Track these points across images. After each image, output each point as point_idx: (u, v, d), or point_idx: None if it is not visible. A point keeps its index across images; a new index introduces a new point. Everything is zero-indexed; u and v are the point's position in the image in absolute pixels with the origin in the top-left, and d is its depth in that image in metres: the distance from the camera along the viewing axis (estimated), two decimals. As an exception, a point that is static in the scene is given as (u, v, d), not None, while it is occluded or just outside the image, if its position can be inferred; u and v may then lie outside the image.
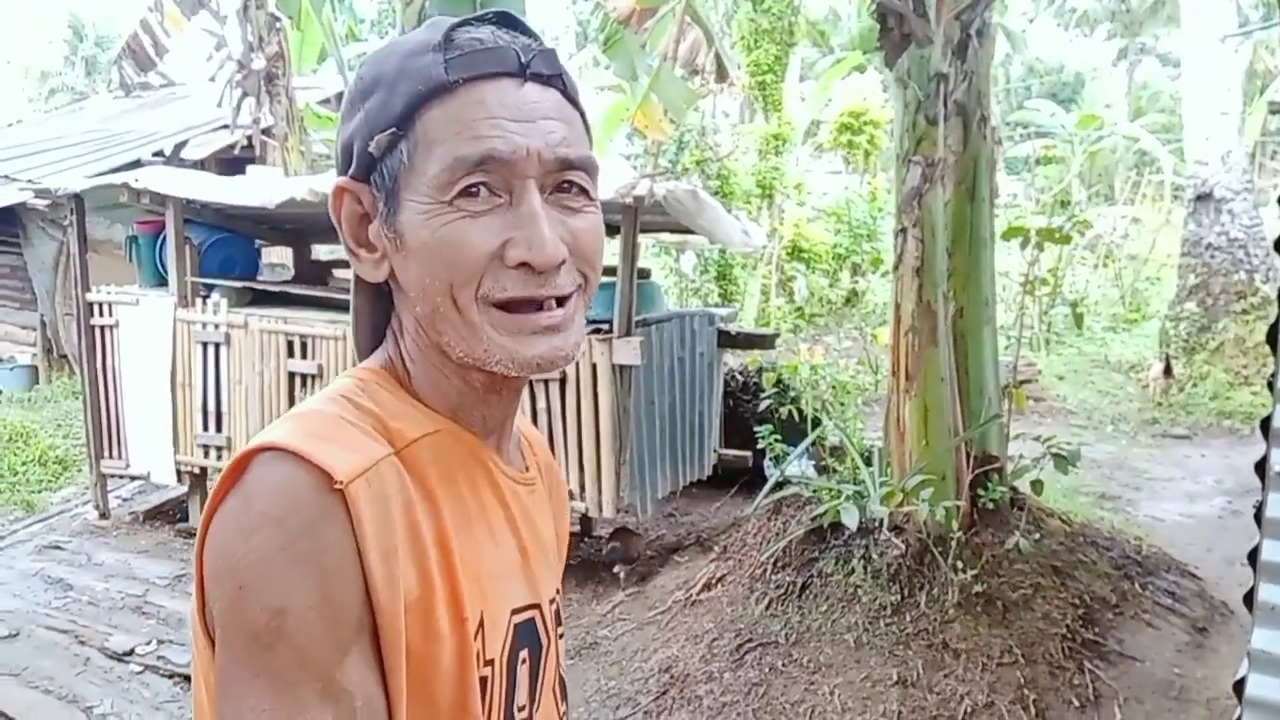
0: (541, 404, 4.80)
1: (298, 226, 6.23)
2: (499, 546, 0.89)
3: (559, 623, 0.99)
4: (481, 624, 0.84)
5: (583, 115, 0.89)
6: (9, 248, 9.60)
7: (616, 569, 4.90)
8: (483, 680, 0.83)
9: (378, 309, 0.92)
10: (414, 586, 0.77)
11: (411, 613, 0.77)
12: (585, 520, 5.75)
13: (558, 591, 1.00)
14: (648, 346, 4.73)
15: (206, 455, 5.82)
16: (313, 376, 5.48)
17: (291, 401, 5.57)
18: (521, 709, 0.90)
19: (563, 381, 4.71)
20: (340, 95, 9.14)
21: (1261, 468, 2.33)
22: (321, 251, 6.98)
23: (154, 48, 8.95)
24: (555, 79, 0.85)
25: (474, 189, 0.80)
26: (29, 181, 7.98)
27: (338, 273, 6.85)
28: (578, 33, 22.95)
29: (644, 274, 6.05)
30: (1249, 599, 2.39)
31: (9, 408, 8.79)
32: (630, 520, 5.29)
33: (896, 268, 4.29)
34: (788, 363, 6.46)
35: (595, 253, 0.87)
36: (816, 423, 5.69)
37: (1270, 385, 2.37)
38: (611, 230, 4.72)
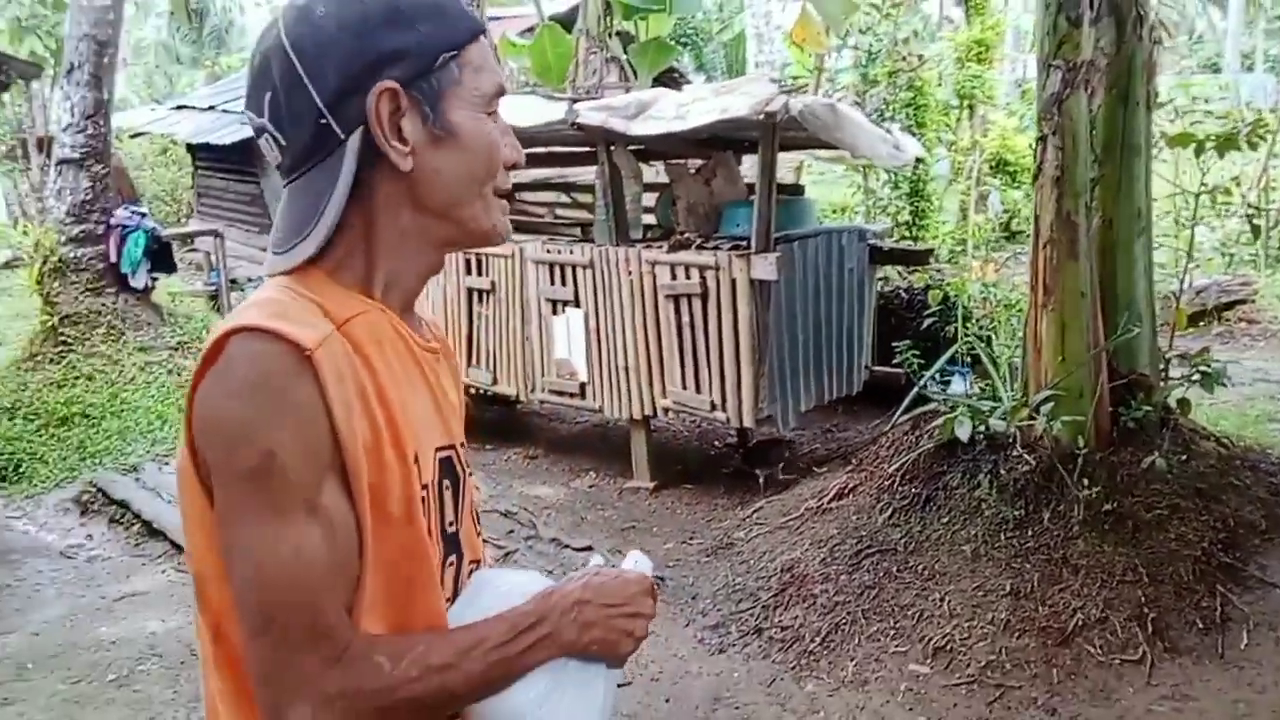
0: (685, 318, 5.01)
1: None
2: (419, 398, 1.09)
3: (467, 466, 1.21)
4: (416, 458, 1.03)
5: None
6: (248, 179, 10.73)
7: (757, 472, 5.11)
8: (422, 500, 1.03)
9: (309, 209, 1.04)
10: (366, 432, 0.97)
11: (368, 452, 0.96)
12: (741, 433, 5.96)
13: (462, 443, 1.21)
14: (788, 262, 4.82)
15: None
16: (486, 292, 5.93)
17: (470, 315, 6.06)
18: (451, 524, 1.12)
19: (704, 297, 4.90)
20: (532, 29, 9.48)
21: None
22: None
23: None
24: None
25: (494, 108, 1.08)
26: (261, 118, 8.86)
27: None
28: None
29: (796, 190, 6.09)
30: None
31: (254, 322, 9.89)
32: (772, 431, 5.44)
33: (1036, 177, 4.16)
34: (954, 280, 6.33)
35: None
36: (986, 341, 5.58)
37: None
38: (751, 147, 4.81)
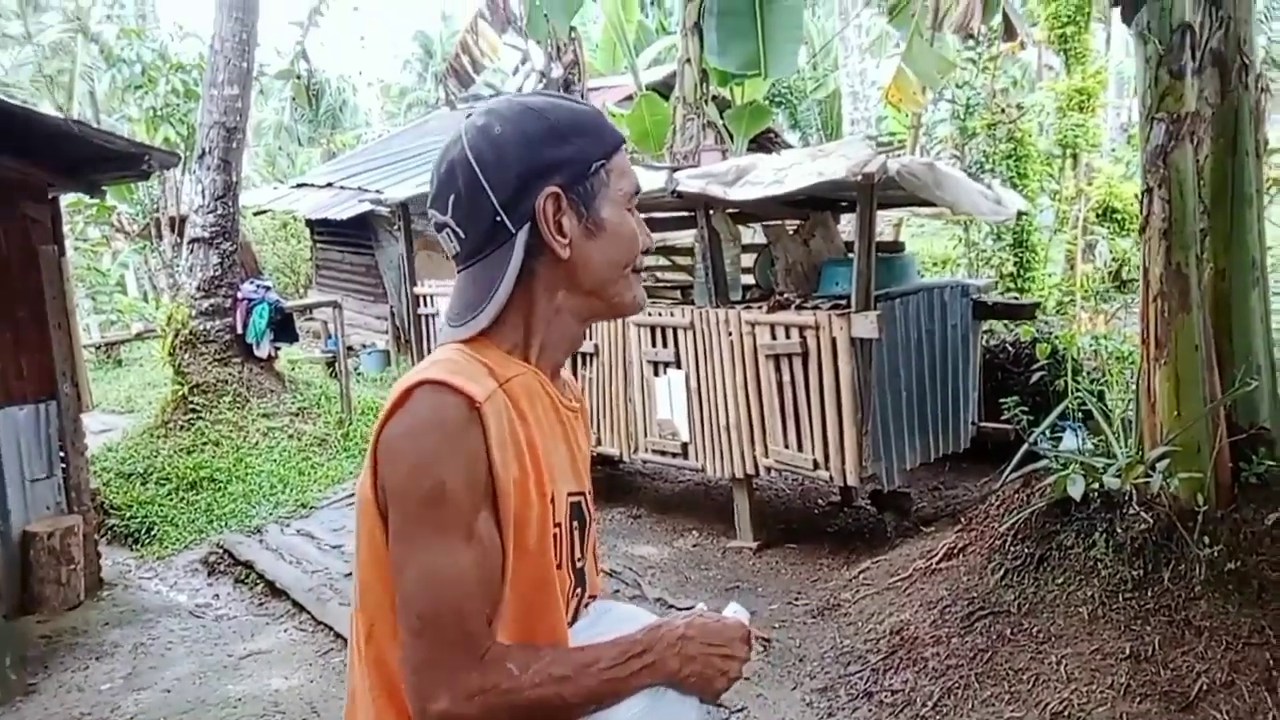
0: (786, 377, 5.04)
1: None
2: (559, 449, 1.29)
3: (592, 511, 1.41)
4: (553, 499, 1.22)
5: None
6: (364, 250, 11.21)
7: (886, 517, 5.12)
8: (554, 537, 1.22)
9: (483, 290, 1.25)
10: (516, 472, 1.16)
11: (515, 489, 1.15)
12: (845, 491, 5.93)
13: (590, 491, 1.40)
14: (888, 320, 4.83)
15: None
16: (590, 355, 6.07)
17: (575, 377, 6.20)
18: (579, 559, 1.31)
19: (805, 356, 4.93)
20: (630, 97, 9.74)
21: None
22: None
23: (472, 65, 10.02)
24: None
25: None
26: (376, 192, 9.31)
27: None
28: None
29: (895, 247, 6.10)
30: None
31: (368, 386, 10.31)
32: (895, 486, 5.42)
33: (1143, 230, 4.10)
34: (1064, 333, 6.22)
35: None
36: (1098, 396, 5.45)
37: None
38: (848, 205, 4.85)
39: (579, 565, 1.30)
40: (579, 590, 1.31)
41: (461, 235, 1.25)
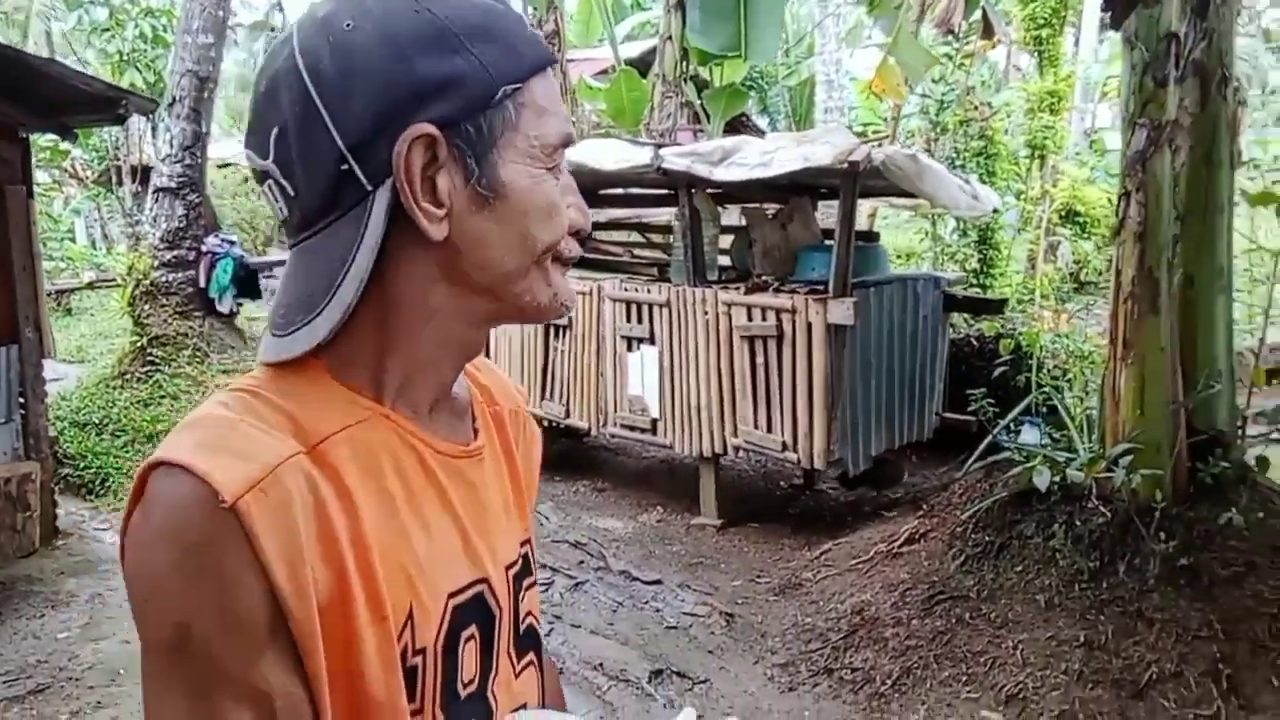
0: (760, 359, 5.10)
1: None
2: (431, 533, 0.86)
3: (529, 573, 1.00)
4: (411, 616, 0.82)
5: None
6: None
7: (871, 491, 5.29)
8: (412, 670, 0.82)
9: (321, 280, 0.81)
10: (327, 589, 0.75)
11: (328, 614, 0.75)
12: (808, 474, 6.03)
13: (527, 543, 1.01)
14: (863, 308, 4.90)
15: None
16: (563, 327, 6.08)
17: (547, 349, 6.21)
18: (469, 683, 0.89)
19: (780, 338, 4.99)
20: (605, 71, 9.72)
21: None
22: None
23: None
24: None
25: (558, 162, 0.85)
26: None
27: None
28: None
29: (870, 237, 6.18)
30: None
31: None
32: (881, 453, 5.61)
33: (1118, 233, 4.21)
34: (1027, 330, 6.36)
35: None
36: (1059, 392, 5.60)
37: None
38: (827, 193, 4.91)
39: (469, 689, 0.88)
40: None
41: (290, 192, 0.80)
